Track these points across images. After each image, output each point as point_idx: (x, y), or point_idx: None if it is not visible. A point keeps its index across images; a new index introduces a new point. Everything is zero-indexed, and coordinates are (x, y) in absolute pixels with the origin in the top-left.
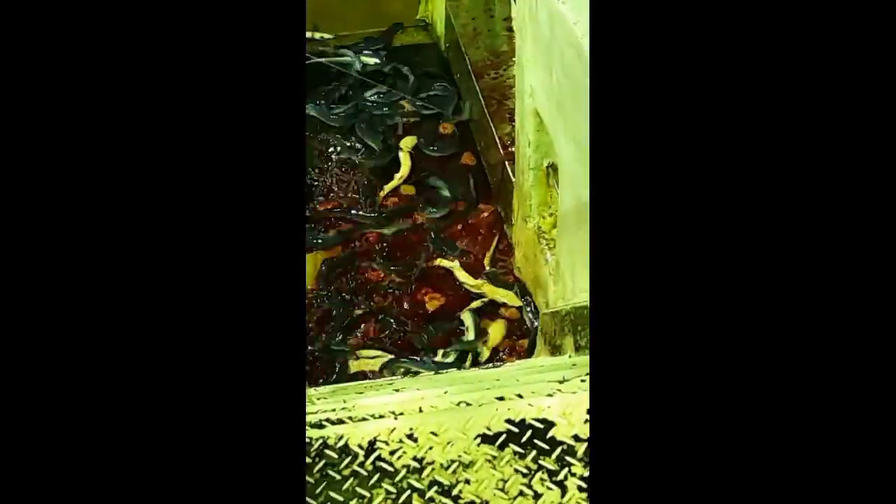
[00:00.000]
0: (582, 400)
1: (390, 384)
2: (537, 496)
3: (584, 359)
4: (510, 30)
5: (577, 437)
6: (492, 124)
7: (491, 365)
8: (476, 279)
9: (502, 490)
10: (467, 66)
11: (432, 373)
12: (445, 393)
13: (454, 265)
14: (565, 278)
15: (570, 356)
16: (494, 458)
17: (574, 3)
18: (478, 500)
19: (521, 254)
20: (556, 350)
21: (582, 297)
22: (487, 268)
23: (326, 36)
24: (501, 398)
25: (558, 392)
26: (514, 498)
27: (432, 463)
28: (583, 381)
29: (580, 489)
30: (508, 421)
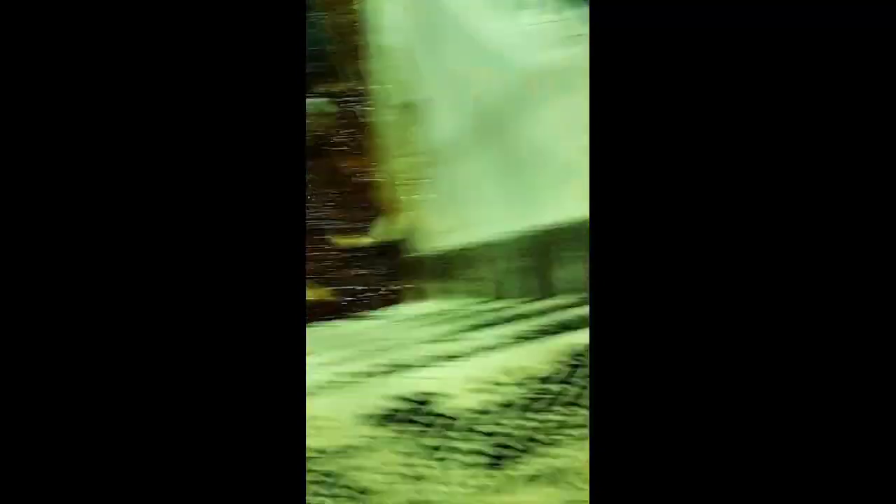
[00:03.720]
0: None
1: None
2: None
3: (452, 304)
4: None
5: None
6: (345, 63)
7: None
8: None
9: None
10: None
11: None
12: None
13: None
14: (428, 219)
15: (454, 298)
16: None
17: None
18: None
19: (386, 194)
20: (421, 295)
21: (446, 239)
22: None
23: None
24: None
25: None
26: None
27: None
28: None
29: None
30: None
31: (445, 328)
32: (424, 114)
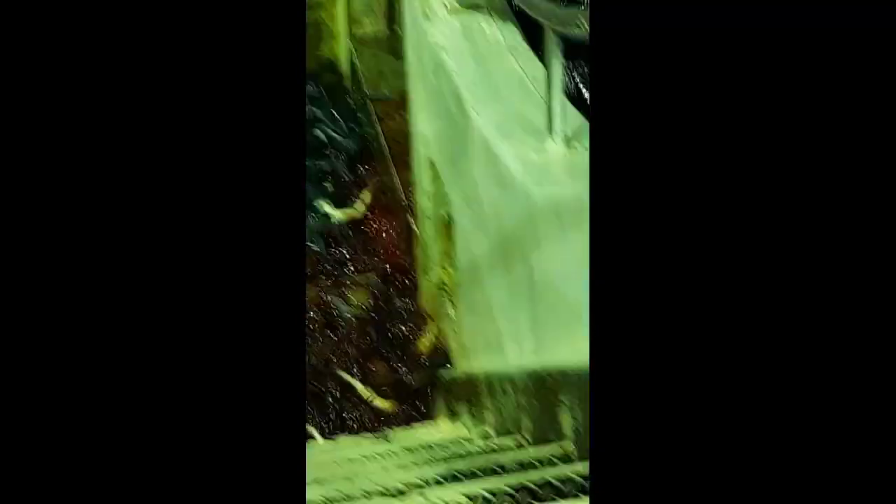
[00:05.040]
0: None
1: None
2: None
3: (482, 429)
4: None
5: None
6: (395, 169)
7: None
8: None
9: None
10: (369, 107)
11: None
12: None
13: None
14: (464, 337)
15: (465, 426)
16: None
17: (455, 52)
18: None
19: (428, 308)
20: (454, 416)
21: (479, 362)
22: None
23: None
24: None
25: None
26: None
27: None
28: None
29: None
30: None
31: (420, 473)
32: (456, 228)
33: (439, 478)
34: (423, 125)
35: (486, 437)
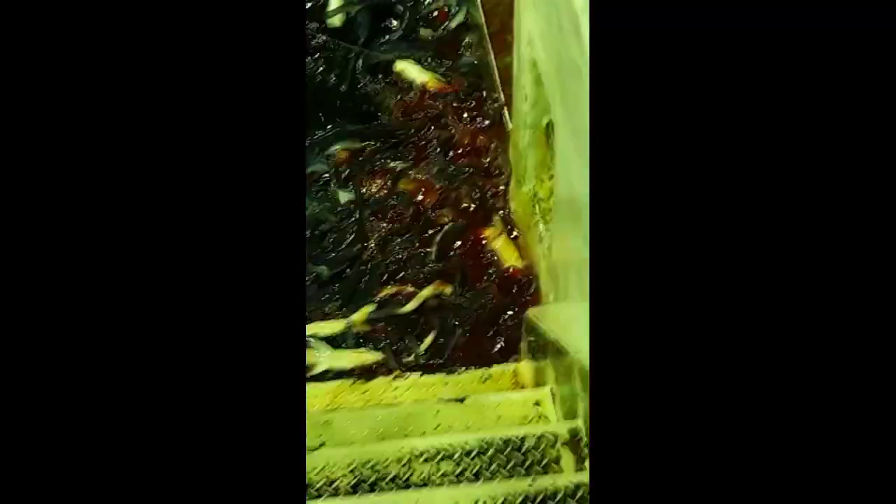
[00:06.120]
0: None
1: None
2: None
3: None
4: None
5: None
6: (493, 61)
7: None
8: None
9: None
10: None
11: None
12: None
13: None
14: (557, 274)
15: (550, 389)
16: None
17: None
18: None
19: (517, 218)
20: (539, 371)
21: (564, 316)
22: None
23: None
24: None
25: None
26: None
27: None
28: None
29: None
30: None
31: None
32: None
33: None
34: (530, 23)
35: (577, 447)
